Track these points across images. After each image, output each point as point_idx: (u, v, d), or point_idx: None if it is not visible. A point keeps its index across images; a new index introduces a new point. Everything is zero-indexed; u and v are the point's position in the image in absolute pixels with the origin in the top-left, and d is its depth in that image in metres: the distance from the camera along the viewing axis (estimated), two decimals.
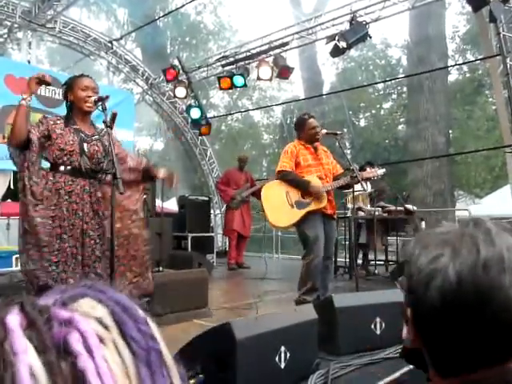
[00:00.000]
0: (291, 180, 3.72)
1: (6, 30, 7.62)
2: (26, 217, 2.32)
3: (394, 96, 18.73)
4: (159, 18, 11.88)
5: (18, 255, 6.48)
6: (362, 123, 19.21)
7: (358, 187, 4.07)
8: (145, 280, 2.73)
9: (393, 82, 17.04)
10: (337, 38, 6.14)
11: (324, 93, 16.20)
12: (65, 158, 2.42)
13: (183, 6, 9.11)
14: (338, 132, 3.99)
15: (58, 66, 15.39)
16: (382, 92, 18.77)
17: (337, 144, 3.96)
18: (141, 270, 2.70)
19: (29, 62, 7.30)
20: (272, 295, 4.59)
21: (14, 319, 0.29)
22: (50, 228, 2.34)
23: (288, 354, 2.04)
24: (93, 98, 2.49)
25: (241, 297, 4.77)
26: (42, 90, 6.73)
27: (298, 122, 4.02)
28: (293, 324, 2.15)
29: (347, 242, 6.08)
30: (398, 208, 5.80)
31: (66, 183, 2.42)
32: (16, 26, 7.25)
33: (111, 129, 2.46)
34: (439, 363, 0.64)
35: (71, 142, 2.43)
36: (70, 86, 2.54)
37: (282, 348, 2.03)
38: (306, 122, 3.85)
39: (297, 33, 7.16)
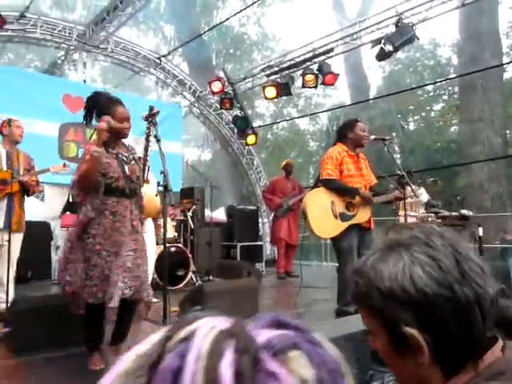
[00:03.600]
0: (338, 188, 3.61)
1: (63, 53, 8.12)
2: (80, 243, 2.45)
3: (445, 97, 18.07)
4: (204, 32, 12.20)
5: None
6: (412, 126, 18.66)
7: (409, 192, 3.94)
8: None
9: (443, 82, 16.44)
10: (382, 41, 6.02)
11: (371, 97, 15.91)
12: (113, 184, 2.52)
13: (227, 19, 9.31)
14: (387, 137, 3.88)
15: (111, 83, 16.14)
16: (431, 93, 18.15)
17: (385, 149, 3.86)
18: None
19: (84, 81, 7.72)
20: (321, 304, 4.53)
21: (227, 371, 0.30)
22: (91, 245, 2.44)
23: None
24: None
25: (290, 306, 4.74)
26: None
27: (346, 123, 3.89)
28: (344, 334, 2.12)
29: None
30: (453, 213, 5.56)
31: (112, 204, 2.52)
32: (72, 48, 7.70)
33: (154, 126, 2.53)
34: (449, 359, 0.66)
35: (118, 169, 2.54)
36: (109, 109, 2.56)
37: None
38: (356, 124, 3.73)
39: (341, 38, 7.10)
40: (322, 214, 3.57)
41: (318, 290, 5.46)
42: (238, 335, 0.32)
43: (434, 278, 0.64)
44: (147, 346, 0.34)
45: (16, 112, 5.76)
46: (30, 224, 5.54)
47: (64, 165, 4.23)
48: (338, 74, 7.04)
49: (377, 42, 6.22)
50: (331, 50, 7.09)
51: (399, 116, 16.26)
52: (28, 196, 4.07)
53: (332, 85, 7.32)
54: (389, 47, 5.91)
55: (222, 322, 0.35)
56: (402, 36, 5.84)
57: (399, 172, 3.64)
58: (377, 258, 0.69)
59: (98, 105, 2.59)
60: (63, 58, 8.35)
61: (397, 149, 15.63)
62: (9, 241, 3.60)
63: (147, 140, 2.61)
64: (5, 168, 3.91)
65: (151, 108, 2.59)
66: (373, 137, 3.78)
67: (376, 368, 2.40)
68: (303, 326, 0.36)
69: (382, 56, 6.19)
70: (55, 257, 6.62)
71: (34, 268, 5.98)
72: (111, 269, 2.43)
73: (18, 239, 3.84)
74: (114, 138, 2.59)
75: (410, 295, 0.64)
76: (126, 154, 2.64)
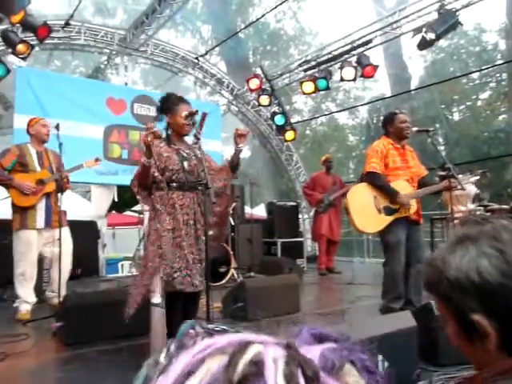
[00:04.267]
0: (380, 186, 3.54)
1: (105, 57, 8.40)
2: (158, 241, 2.57)
3: (493, 84, 17.22)
4: (240, 30, 12.21)
5: (123, 262, 6.97)
6: (456, 117, 17.93)
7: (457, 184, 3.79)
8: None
9: (490, 69, 15.68)
10: (424, 29, 5.83)
11: (412, 88, 15.44)
12: (173, 177, 2.65)
13: (263, 15, 9.26)
14: (430, 129, 3.76)
15: (151, 85, 16.51)
16: (477, 81, 17.35)
17: (429, 141, 3.74)
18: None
19: (126, 84, 7.95)
20: (364, 301, 4.46)
21: None
22: (170, 239, 2.57)
23: (386, 364, 1.96)
24: (184, 113, 2.64)
25: (332, 302, 4.70)
26: (138, 109, 7.28)
27: (387, 116, 3.83)
28: (390, 331, 2.07)
29: None
30: (503, 206, 5.30)
31: (178, 198, 2.64)
32: (114, 52, 7.95)
33: (201, 128, 2.62)
34: None
35: (177, 162, 2.66)
36: (171, 109, 2.72)
37: (380, 357, 1.95)
38: (395, 117, 3.66)
39: (380, 29, 6.93)
40: (365, 209, 3.51)
41: (360, 286, 5.39)
42: (304, 363, 0.32)
43: (499, 269, 0.67)
44: (198, 379, 0.31)
45: (65, 116, 6.03)
46: (79, 223, 5.78)
47: (96, 159, 4.35)
48: (377, 66, 6.86)
49: (418, 30, 6.03)
50: (370, 41, 6.93)
51: (443, 106, 15.65)
52: (62, 194, 4.17)
53: (371, 77, 7.15)
54: (431, 35, 5.71)
55: (275, 348, 0.33)
56: (445, 23, 5.62)
57: (445, 165, 3.51)
58: (446, 251, 0.74)
59: (166, 103, 2.75)
60: (106, 62, 8.63)
61: (441, 140, 15.06)
62: (59, 239, 3.76)
63: (197, 139, 2.70)
64: (38, 168, 4.03)
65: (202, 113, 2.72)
66: (415, 129, 3.68)
67: (423, 367, 2.33)
68: (343, 337, 0.37)
69: (424, 45, 5.99)
70: (102, 254, 6.89)
71: (83, 265, 6.24)
72: (189, 261, 2.58)
73: (65, 233, 4.00)
74: (176, 134, 2.75)
75: (475, 284, 0.67)
76: (187, 151, 2.75)
